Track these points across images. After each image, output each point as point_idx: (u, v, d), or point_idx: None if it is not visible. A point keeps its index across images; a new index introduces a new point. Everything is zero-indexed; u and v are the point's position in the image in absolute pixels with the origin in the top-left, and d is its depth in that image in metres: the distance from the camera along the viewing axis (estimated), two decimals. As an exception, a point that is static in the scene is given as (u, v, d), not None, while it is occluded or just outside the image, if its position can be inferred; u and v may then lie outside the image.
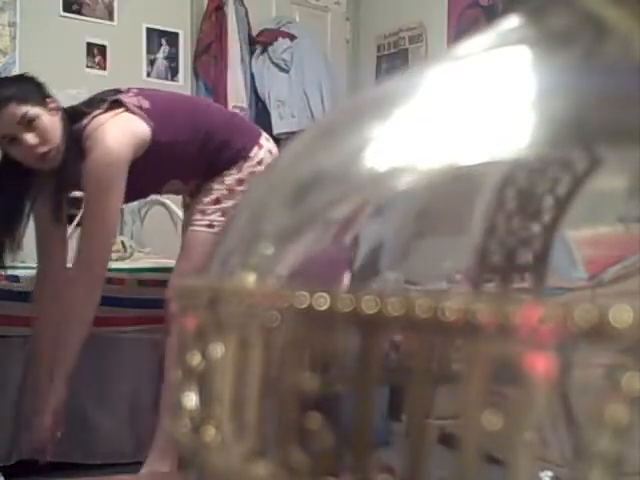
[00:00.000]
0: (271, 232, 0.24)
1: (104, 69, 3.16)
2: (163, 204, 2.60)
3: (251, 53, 3.61)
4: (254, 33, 3.62)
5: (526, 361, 0.15)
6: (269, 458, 0.19)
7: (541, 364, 0.15)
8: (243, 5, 3.57)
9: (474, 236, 0.25)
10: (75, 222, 2.49)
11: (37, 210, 1.80)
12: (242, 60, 3.53)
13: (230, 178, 1.81)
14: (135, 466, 2.02)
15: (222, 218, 1.80)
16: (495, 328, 0.16)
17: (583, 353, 0.16)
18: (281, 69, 3.57)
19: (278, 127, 3.46)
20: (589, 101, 0.21)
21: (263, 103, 3.56)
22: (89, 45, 3.15)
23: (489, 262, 0.27)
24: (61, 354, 1.74)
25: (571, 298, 0.27)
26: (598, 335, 0.15)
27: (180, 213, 2.20)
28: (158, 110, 1.73)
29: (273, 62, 3.58)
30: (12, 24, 3.04)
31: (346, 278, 0.23)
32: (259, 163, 1.81)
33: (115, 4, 3.20)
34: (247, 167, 1.80)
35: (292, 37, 3.61)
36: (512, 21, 0.26)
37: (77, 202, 2.61)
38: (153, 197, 2.86)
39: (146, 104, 1.73)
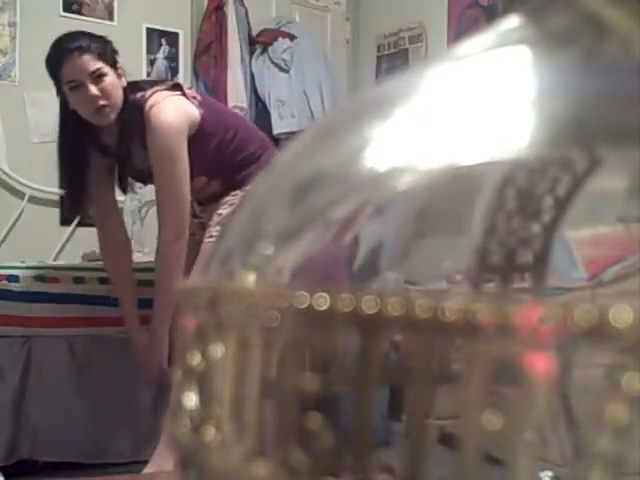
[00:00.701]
0: (271, 232, 0.24)
1: (104, 69, 3.15)
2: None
3: (251, 53, 3.61)
4: (254, 33, 3.62)
5: (526, 361, 0.15)
6: (269, 458, 0.19)
7: (541, 364, 0.15)
8: (243, 5, 3.57)
9: (474, 236, 0.25)
10: (75, 222, 2.49)
11: (95, 166, 1.95)
12: (242, 60, 3.53)
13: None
14: (134, 466, 2.02)
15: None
16: (495, 328, 0.16)
17: (583, 353, 0.16)
18: (281, 69, 3.57)
19: (278, 127, 3.46)
20: (589, 101, 0.21)
21: (263, 103, 3.56)
22: (89, 45, 3.15)
23: (489, 262, 0.27)
24: (159, 307, 1.89)
25: (571, 298, 0.27)
26: (598, 335, 0.15)
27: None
28: (206, 104, 1.90)
29: (273, 62, 3.57)
30: (12, 24, 3.04)
31: (346, 278, 0.23)
32: None
33: (115, 4, 3.20)
34: None
35: (292, 37, 3.61)
36: (512, 21, 0.26)
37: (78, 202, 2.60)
38: (154, 197, 2.87)
39: (198, 97, 1.90)
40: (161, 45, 3.39)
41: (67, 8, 3.14)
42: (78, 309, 2.12)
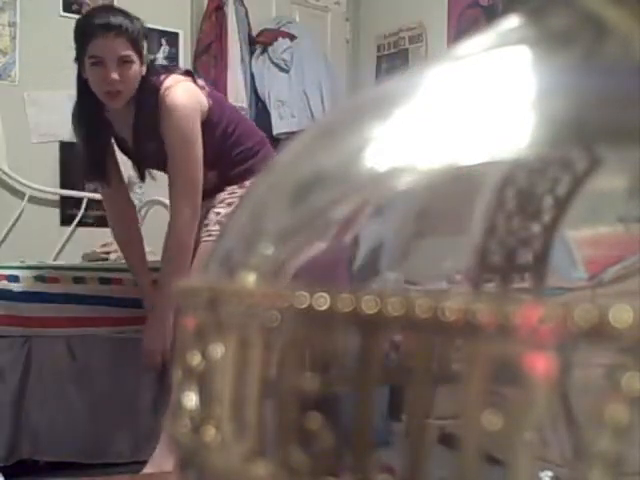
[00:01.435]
0: (271, 232, 0.24)
1: (104, 69, 3.16)
2: (163, 204, 2.60)
3: (251, 53, 3.61)
4: (254, 33, 3.62)
5: (526, 361, 0.15)
6: (269, 458, 0.19)
7: (541, 364, 0.15)
8: (243, 5, 3.57)
9: (474, 236, 0.25)
10: (75, 222, 2.49)
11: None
12: (242, 60, 3.53)
13: (242, 191, 1.91)
14: (134, 466, 2.02)
15: (219, 227, 1.89)
16: (495, 328, 0.16)
17: (583, 353, 0.16)
18: (281, 69, 3.57)
19: (278, 127, 3.46)
20: (589, 101, 0.21)
21: (263, 103, 3.56)
22: (89, 45, 3.15)
23: (489, 262, 0.27)
24: (167, 289, 1.88)
25: (571, 298, 0.27)
26: (598, 335, 0.15)
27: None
28: (212, 95, 1.93)
29: (273, 62, 3.57)
30: (12, 24, 3.04)
31: (346, 278, 0.23)
32: None
33: (115, 4, 3.20)
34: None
35: (292, 37, 3.61)
36: (512, 21, 0.26)
37: (78, 203, 2.61)
38: (153, 197, 2.87)
39: (206, 87, 1.94)
40: (161, 45, 3.39)
41: (67, 8, 3.14)
42: (78, 309, 2.12)
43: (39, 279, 2.10)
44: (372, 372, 0.18)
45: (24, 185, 3.01)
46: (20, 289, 2.07)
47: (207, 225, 1.94)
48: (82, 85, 1.84)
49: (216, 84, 3.45)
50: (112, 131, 1.95)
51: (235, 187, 1.95)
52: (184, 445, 0.22)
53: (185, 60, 3.45)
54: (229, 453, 0.20)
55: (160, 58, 3.38)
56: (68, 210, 3.06)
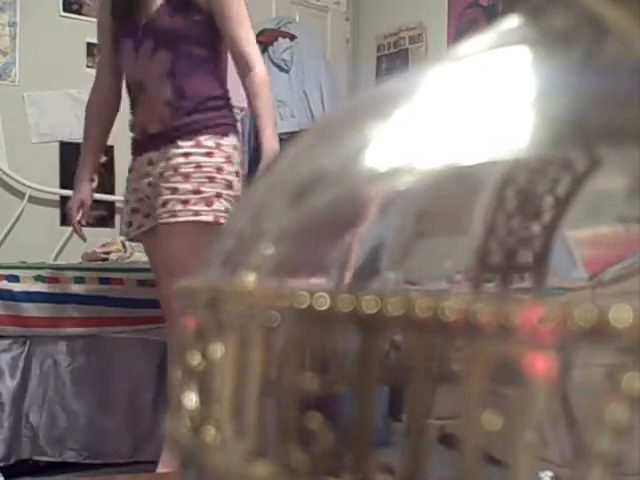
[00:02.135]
0: (271, 232, 0.24)
1: (104, 69, 3.16)
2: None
3: (251, 53, 3.60)
4: (254, 33, 3.62)
5: (526, 361, 0.15)
6: (269, 458, 0.19)
7: (541, 364, 0.15)
8: (243, 5, 3.57)
9: (474, 236, 0.25)
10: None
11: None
12: (242, 60, 3.52)
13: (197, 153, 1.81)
14: (134, 466, 2.02)
15: (208, 208, 1.80)
16: (495, 328, 0.16)
17: (583, 353, 0.16)
18: (281, 69, 3.57)
19: (278, 127, 3.46)
20: (589, 101, 0.21)
21: (263, 103, 3.55)
22: (89, 45, 3.15)
23: (489, 262, 0.27)
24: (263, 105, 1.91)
25: (571, 298, 0.27)
26: (598, 335, 0.15)
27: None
28: None
29: (273, 62, 3.57)
30: (12, 24, 3.04)
31: (345, 278, 0.23)
32: (228, 159, 1.84)
33: (115, 4, 3.20)
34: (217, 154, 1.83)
35: (292, 37, 3.61)
36: (512, 21, 0.26)
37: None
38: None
39: None
40: (161, 45, 3.38)
41: (67, 8, 3.15)
42: (78, 309, 2.12)
43: (39, 279, 2.10)
44: (372, 372, 0.18)
45: (24, 185, 3.01)
46: (20, 289, 2.07)
47: (166, 204, 1.81)
48: None
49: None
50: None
51: (190, 144, 1.83)
52: (184, 445, 0.23)
53: (185, 60, 3.44)
54: (229, 453, 0.20)
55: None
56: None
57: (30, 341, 2.07)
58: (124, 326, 2.09)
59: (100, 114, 2.01)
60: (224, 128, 1.88)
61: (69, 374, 2.09)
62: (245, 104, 3.49)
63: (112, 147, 2.83)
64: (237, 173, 1.86)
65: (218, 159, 1.83)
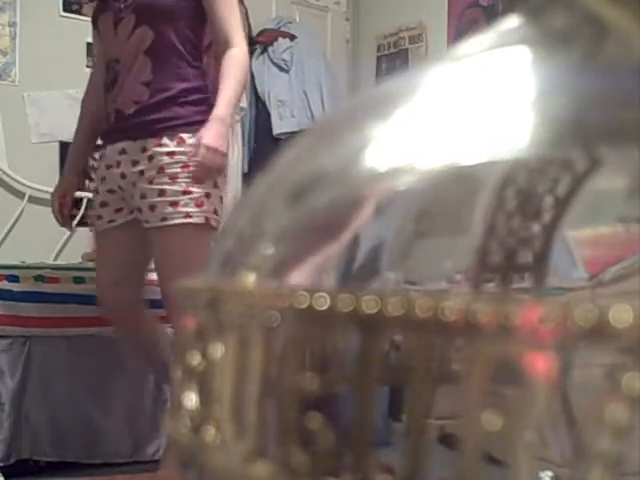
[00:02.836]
0: (271, 232, 0.24)
1: (104, 69, 3.16)
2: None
3: (251, 53, 3.60)
4: (254, 33, 3.62)
5: (526, 361, 0.15)
6: (269, 458, 0.19)
7: (541, 364, 0.15)
8: (243, 5, 3.57)
9: (474, 236, 0.25)
10: (75, 222, 2.49)
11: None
12: (242, 60, 3.52)
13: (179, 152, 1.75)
14: (134, 466, 2.02)
15: (198, 209, 1.74)
16: (495, 328, 0.16)
17: (583, 353, 0.16)
18: (281, 69, 3.57)
19: (278, 127, 3.46)
20: (589, 101, 0.21)
21: (263, 103, 3.56)
22: (89, 45, 3.15)
23: (489, 262, 0.27)
24: (232, 84, 1.81)
25: (571, 298, 0.27)
26: (598, 335, 0.15)
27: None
28: None
29: (273, 62, 3.57)
30: (12, 24, 3.04)
31: (344, 277, 0.23)
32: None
33: (115, 4, 3.20)
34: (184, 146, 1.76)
35: (292, 37, 3.61)
36: (512, 21, 0.26)
37: (78, 203, 2.61)
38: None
39: None
40: (161, 45, 3.38)
41: (67, 8, 3.14)
42: (78, 309, 2.12)
43: (39, 279, 2.10)
44: (372, 372, 0.18)
45: (24, 185, 3.01)
46: (20, 289, 2.07)
47: (154, 207, 1.73)
48: None
49: (216, 84, 3.45)
50: None
51: (174, 143, 1.75)
52: (184, 445, 0.23)
53: (185, 60, 3.44)
54: (229, 453, 0.20)
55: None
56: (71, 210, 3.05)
57: (30, 341, 2.06)
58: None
59: (92, 105, 1.94)
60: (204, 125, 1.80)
61: (69, 374, 2.09)
62: (245, 104, 3.50)
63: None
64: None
65: None
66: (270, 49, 3.59)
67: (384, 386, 0.19)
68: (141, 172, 1.77)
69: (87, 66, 3.16)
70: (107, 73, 1.82)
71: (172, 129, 1.77)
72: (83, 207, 3.03)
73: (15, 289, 2.07)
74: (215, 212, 1.77)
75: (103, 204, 1.87)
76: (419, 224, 0.23)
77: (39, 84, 2.99)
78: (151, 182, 1.75)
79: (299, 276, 0.23)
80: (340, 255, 0.23)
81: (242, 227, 0.26)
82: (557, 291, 0.29)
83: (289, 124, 3.44)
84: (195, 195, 1.75)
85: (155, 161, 1.75)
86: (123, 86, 1.78)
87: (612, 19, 0.23)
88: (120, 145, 1.80)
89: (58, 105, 2.96)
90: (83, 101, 2.01)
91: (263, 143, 3.44)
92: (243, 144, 3.52)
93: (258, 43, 3.61)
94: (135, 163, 1.78)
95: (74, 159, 2.02)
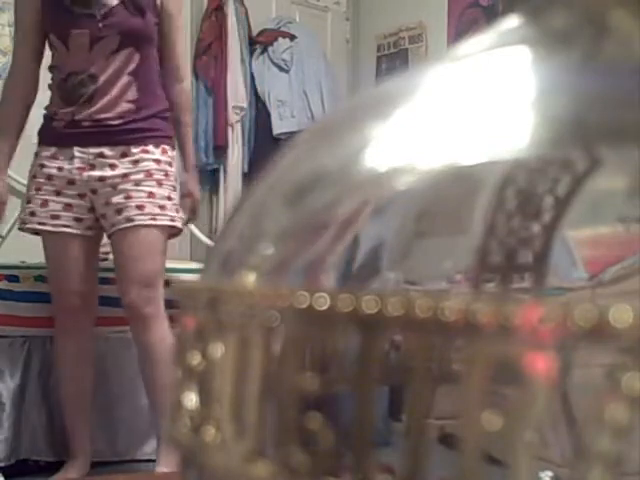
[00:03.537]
0: (271, 232, 0.24)
1: (104, 69, 3.15)
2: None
3: (251, 53, 3.61)
4: (254, 33, 3.62)
5: (526, 361, 0.15)
6: (269, 458, 0.19)
7: (541, 364, 0.15)
8: (243, 5, 3.57)
9: (474, 236, 0.25)
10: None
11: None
12: (242, 60, 3.53)
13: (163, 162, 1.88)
14: (135, 465, 2.02)
15: (177, 215, 1.91)
16: (495, 328, 0.16)
17: (583, 353, 0.16)
18: (281, 69, 3.57)
19: (278, 127, 3.46)
20: (589, 101, 0.21)
21: (263, 103, 3.56)
22: (89, 45, 3.15)
23: (489, 262, 0.27)
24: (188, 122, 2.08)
25: (571, 298, 0.27)
26: (598, 335, 0.15)
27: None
28: None
29: (273, 62, 3.57)
30: (12, 24, 3.03)
31: (344, 277, 0.23)
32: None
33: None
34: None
35: (292, 37, 3.61)
36: (512, 21, 0.26)
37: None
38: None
39: None
40: (161, 45, 3.38)
41: (67, 8, 3.14)
42: (78, 309, 2.12)
43: (39, 279, 2.10)
44: (372, 372, 0.18)
45: (24, 185, 3.01)
46: (20, 289, 2.07)
47: (143, 207, 1.86)
48: None
49: (216, 84, 3.45)
50: None
51: (159, 151, 1.89)
52: (184, 445, 0.23)
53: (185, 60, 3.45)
54: (229, 453, 0.20)
55: (160, 58, 3.38)
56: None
57: (30, 341, 2.07)
58: (123, 326, 2.09)
59: (24, 98, 1.95)
60: (173, 141, 1.97)
61: (69, 374, 2.09)
62: (245, 104, 3.50)
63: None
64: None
65: (174, 170, 1.95)
66: (270, 49, 3.60)
67: (384, 386, 0.19)
68: (125, 175, 1.84)
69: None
70: (64, 83, 1.87)
71: (156, 139, 1.90)
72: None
73: (15, 289, 2.07)
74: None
75: (68, 206, 1.90)
76: (419, 224, 0.23)
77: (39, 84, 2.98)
78: (138, 184, 1.86)
79: (299, 276, 0.23)
80: (340, 255, 0.23)
81: (242, 227, 0.26)
82: (557, 291, 0.29)
83: (289, 124, 3.45)
84: (175, 202, 1.92)
85: (142, 166, 1.85)
86: (100, 100, 1.86)
87: (612, 19, 0.23)
88: (96, 149, 1.86)
89: (58, 105, 2.96)
90: (9, 91, 1.98)
91: (263, 143, 3.45)
92: (243, 144, 3.52)
93: (258, 43, 3.61)
94: (113, 167, 1.86)
95: (5, 154, 2.04)
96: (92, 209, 1.90)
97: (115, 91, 1.85)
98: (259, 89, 3.55)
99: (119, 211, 1.85)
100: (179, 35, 1.97)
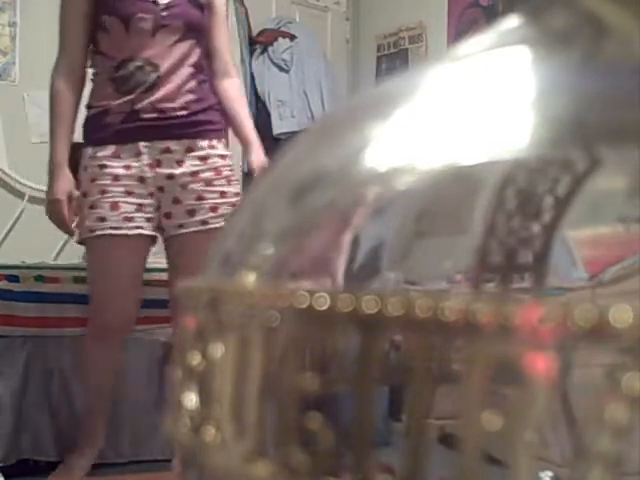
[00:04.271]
0: (271, 232, 0.24)
1: (104, 69, 3.15)
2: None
3: (251, 53, 3.61)
4: (254, 33, 3.62)
5: (526, 361, 0.15)
6: (269, 458, 0.19)
7: (541, 364, 0.15)
8: (243, 5, 3.57)
9: (474, 236, 0.25)
10: (75, 222, 2.48)
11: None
12: (242, 60, 3.53)
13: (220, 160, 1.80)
14: (134, 466, 2.02)
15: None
16: (495, 328, 0.16)
17: (583, 353, 0.16)
18: (281, 69, 3.57)
19: (278, 127, 3.46)
20: (589, 101, 0.21)
21: (263, 103, 3.56)
22: (89, 45, 3.15)
23: (489, 262, 0.27)
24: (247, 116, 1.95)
25: (571, 298, 0.27)
26: (598, 335, 0.15)
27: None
28: None
29: (273, 62, 3.57)
30: (12, 24, 3.04)
31: (344, 277, 0.23)
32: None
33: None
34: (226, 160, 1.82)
35: (292, 37, 3.61)
36: (512, 21, 0.26)
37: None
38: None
39: None
40: (161, 45, 3.38)
41: (67, 8, 3.14)
42: (78, 309, 2.12)
43: (39, 279, 2.10)
44: (372, 372, 0.18)
45: (24, 185, 3.01)
46: (20, 289, 2.07)
47: (217, 209, 1.74)
48: None
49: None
50: None
51: (221, 146, 1.81)
52: (184, 445, 0.23)
53: (185, 60, 3.45)
54: (229, 453, 0.20)
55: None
56: (68, 210, 3.05)
57: (30, 341, 2.06)
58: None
59: (75, 94, 1.84)
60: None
61: (69, 374, 2.09)
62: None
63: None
64: None
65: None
66: (270, 49, 3.59)
67: (384, 386, 0.19)
68: (194, 173, 1.74)
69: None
70: (116, 70, 1.77)
71: (217, 132, 1.81)
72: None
73: (15, 289, 2.07)
74: None
75: (139, 207, 1.75)
76: (419, 224, 0.23)
77: (39, 84, 2.98)
78: (209, 184, 1.75)
79: (299, 276, 0.23)
80: (340, 255, 0.23)
81: (242, 227, 0.26)
82: (557, 291, 0.29)
83: (289, 124, 3.44)
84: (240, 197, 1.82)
85: (210, 162, 1.75)
86: (164, 88, 1.75)
87: (612, 19, 0.23)
88: (162, 144, 1.75)
89: (58, 105, 2.96)
90: (62, 88, 1.86)
91: (263, 143, 3.45)
92: (243, 144, 3.51)
93: (258, 43, 3.61)
94: (180, 163, 1.75)
95: (65, 152, 1.81)
96: (158, 207, 1.76)
97: (178, 80, 1.76)
98: (259, 89, 3.55)
99: (191, 212, 1.74)
100: (227, 33, 1.94)
